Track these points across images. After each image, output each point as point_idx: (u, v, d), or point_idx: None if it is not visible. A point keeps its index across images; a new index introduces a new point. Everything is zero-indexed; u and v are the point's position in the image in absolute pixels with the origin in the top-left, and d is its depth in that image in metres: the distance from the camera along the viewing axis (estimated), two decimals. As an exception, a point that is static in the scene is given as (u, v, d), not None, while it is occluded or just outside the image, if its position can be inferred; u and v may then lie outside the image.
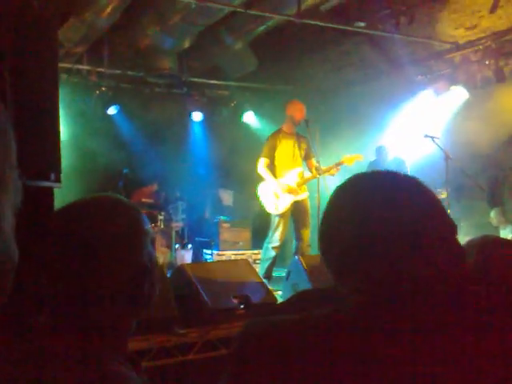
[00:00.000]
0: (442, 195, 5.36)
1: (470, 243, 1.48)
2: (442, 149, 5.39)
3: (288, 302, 2.01)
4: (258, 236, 6.87)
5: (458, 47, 6.27)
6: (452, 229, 0.88)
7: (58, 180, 1.88)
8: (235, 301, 3.29)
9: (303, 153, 5.43)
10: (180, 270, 3.43)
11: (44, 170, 1.83)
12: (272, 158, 5.36)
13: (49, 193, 1.89)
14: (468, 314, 0.83)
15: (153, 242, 1.06)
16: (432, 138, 5.46)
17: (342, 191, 0.93)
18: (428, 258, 0.83)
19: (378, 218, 0.84)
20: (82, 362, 0.82)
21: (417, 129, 6.29)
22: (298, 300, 1.84)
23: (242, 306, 3.28)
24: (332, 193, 0.94)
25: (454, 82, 6.35)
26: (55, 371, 0.78)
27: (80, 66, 6.77)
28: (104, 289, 0.95)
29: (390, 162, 6.51)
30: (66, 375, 0.78)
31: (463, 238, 1.54)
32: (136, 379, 0.87)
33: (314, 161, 5.34)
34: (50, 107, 1.96)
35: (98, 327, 0.94)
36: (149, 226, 1.06)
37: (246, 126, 8.37)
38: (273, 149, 5.36)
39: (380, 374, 0.78)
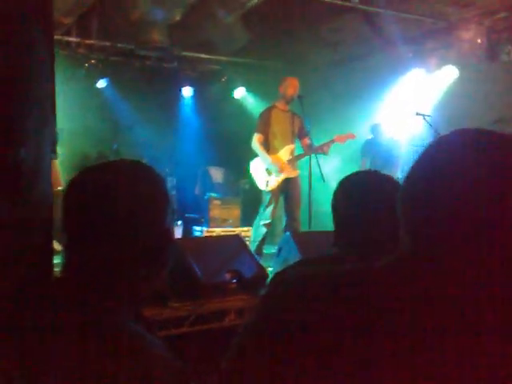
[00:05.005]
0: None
1: None
2: (432, 127, 5.41)
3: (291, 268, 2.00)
4: (248, 213, 6.89)
5: (450, 25, 6.25)
6: None
7: (53, 151, 1.86)
8: (228, 275, 3.31)
9: (296, 130, 5.38)
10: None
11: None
12: (266, 134, 5.31)
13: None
14: None
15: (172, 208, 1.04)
16: (423, 115, 5.47)
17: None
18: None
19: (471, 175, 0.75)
20: (99, 324, 0.82)
21: (408, 107, 6.29)
22: (300, 266, 1.84)
23: (234, 281, 3.31)
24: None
25: (445, 60, 6.34)
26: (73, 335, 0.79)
27: (69, 38, 6.63)
28: (128, 253, 0.95)
29: (386, 141, 6.47)
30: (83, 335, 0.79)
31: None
32: (154, 338, 0.88)
33: (306, 139, 5.32)
34: (45, 78, 1.93)
35: (118, 291, 0.94)
36: (170, 192, 1.03)
37: (237, 102, 8.30)
38: (266, 125, 5.30)
39: (410, 327, 0.73)
